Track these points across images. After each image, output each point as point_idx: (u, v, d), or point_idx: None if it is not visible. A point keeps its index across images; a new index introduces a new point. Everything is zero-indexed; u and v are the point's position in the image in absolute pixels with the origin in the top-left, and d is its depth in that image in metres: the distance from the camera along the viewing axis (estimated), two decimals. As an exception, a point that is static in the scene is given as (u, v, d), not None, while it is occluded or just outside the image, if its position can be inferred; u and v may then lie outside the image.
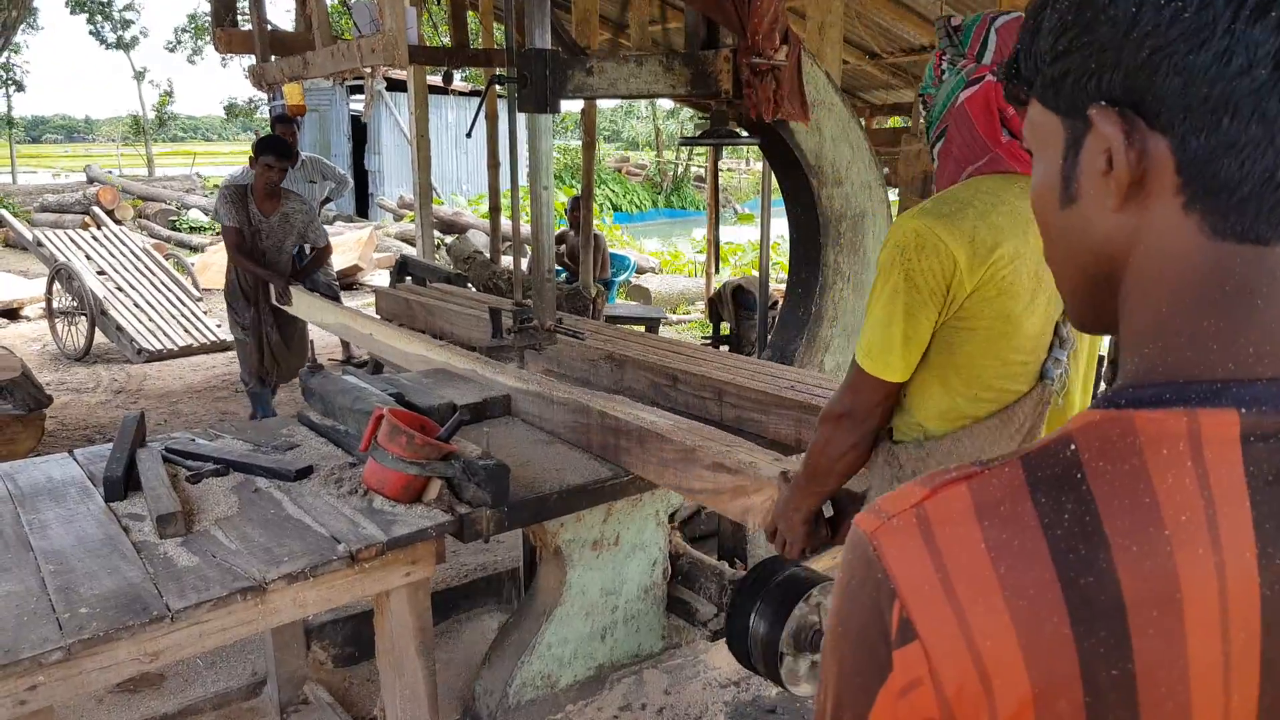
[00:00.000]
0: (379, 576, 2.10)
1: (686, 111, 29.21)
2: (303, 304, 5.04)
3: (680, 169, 27.76)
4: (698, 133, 3.63)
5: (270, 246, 5.23)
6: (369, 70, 3.51)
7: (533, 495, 2.32)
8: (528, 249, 3.46)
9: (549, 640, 2.77)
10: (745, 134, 3.35)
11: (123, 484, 2.30)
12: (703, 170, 28.01)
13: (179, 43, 33.82)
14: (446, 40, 8.02)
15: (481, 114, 3.46)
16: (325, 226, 7.77)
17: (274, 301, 5.20)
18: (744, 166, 29.62)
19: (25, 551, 2.00)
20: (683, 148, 29.16)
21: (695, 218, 25.41)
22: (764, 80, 2.96)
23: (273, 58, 4.37)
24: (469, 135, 3.44)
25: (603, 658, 2.91)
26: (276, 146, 5.07)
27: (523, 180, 3.16)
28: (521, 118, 2.91)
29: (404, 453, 2.19)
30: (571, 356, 3.30)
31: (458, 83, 20.00)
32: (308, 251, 7.78)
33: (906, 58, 7.26)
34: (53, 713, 1.77)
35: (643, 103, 35.54)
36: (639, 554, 2.89)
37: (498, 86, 4.02)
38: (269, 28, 4.48)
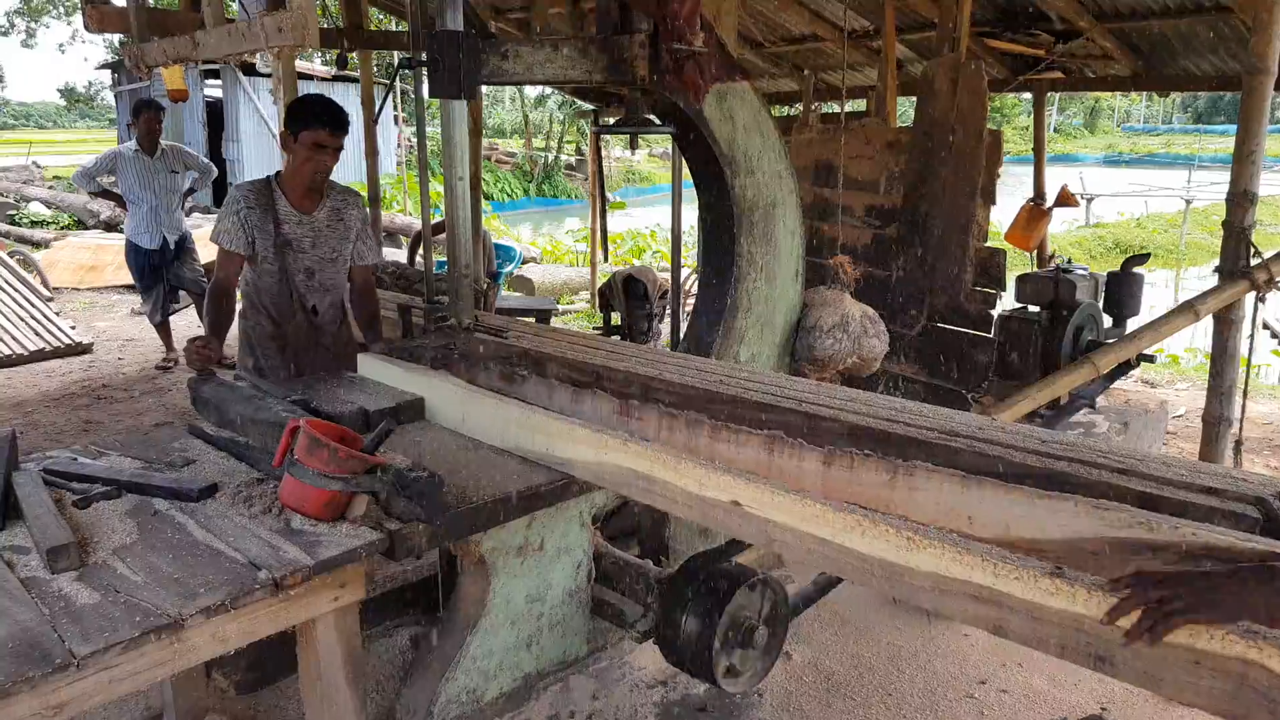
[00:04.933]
0: (305, 603, 1.93)
1: (555, 99, 28.95)
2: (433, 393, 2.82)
3: (550, 157, 27.58)
4: (587, 122, 3.55)
5: (317, 260, 3.38)
6: (246, 55, 3.20)
7: (468, 506, 2.18)
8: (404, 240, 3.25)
9: (474, 654, 2.64)
10: (659, 122, 3.28)
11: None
12: (572, 160, 27.92)
13: (11, 26, 31.42)
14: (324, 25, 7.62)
15: (359, 99, 3.24)
16: (184, 219, 7.16)
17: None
18: (614, 155, 29.64)
19: (-116, 598, 1.74)
20: (553, 137, 28.97)
21: (567, 206, 25.32)
22: (686, 67, 2.90)
23: (154, 39, 3.99)
24: (375, 120, 3.24)
25: (529, 667, 2.80)
26: (328, 113, 3.22)
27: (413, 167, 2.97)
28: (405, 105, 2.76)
29: (326, 467, 2.02)
30: (486, 355, 3.15)
31: (318, 67, 19.20)
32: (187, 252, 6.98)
33: (788, 47, 7.35)
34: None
35: (508, 90, 34.99)
36: (564, 557, 2.79)
37: (406, 71, 3.77)
38: (147, 3, 4.09)
